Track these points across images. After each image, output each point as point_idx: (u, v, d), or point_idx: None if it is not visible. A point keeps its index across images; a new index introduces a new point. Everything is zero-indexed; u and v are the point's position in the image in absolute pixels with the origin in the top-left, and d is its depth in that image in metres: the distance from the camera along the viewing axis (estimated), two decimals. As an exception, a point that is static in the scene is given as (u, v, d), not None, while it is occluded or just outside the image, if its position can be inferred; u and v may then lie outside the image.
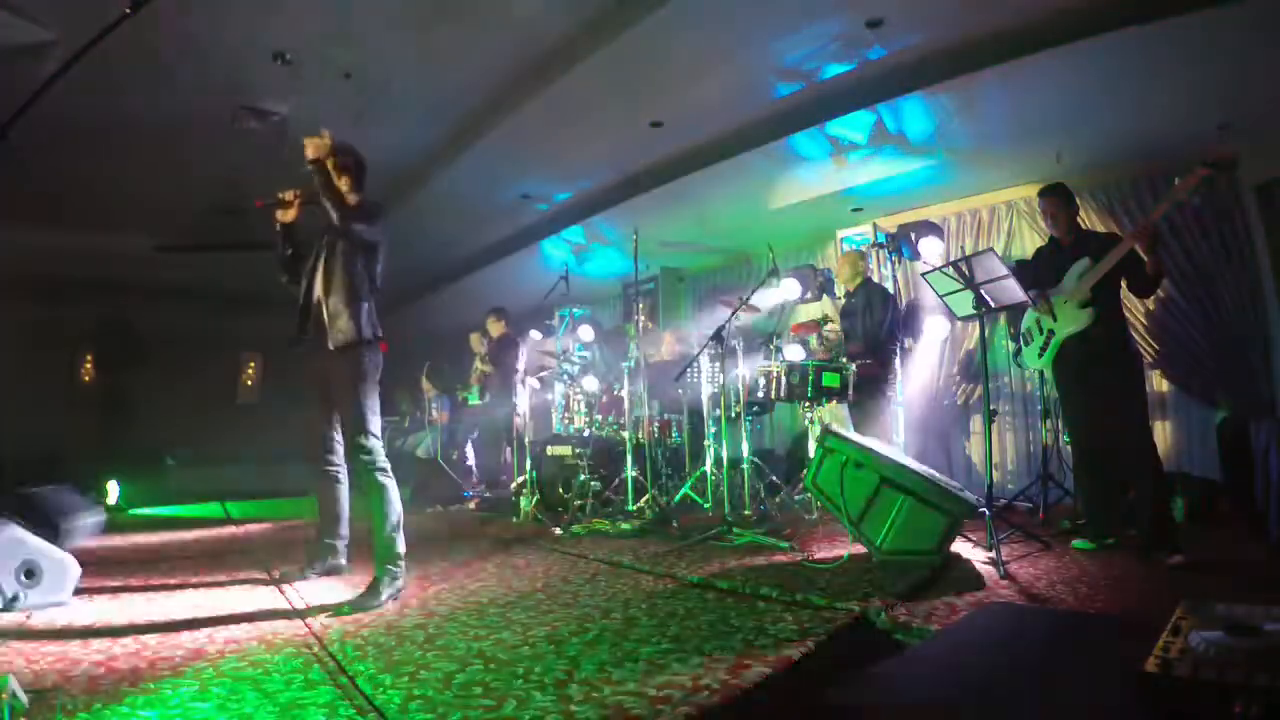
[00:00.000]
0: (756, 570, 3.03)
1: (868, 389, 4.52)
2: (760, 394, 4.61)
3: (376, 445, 2.82)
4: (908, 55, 4.00)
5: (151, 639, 2.20)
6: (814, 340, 5.06)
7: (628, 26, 3.77)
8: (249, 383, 10.23)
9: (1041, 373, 4.47)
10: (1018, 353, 3.76)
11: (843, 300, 5.14)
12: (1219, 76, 3.70)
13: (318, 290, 2.94)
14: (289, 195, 2.94)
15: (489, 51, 4.17)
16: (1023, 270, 3.50)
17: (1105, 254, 3.18)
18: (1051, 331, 3.37)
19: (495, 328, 6.51)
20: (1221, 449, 4.16)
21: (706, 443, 4.73)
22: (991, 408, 3.45)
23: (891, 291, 5.12)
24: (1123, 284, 3.34)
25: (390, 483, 2.82)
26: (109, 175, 5.61)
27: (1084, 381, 3.31)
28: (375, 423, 2.85)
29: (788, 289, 5.99)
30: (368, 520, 2.84)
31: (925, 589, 2.57)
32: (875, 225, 6.09)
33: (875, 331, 4.64)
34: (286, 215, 2.97)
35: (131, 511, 5.83)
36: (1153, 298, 4.60)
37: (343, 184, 2.93)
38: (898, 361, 4.85)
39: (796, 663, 1.88)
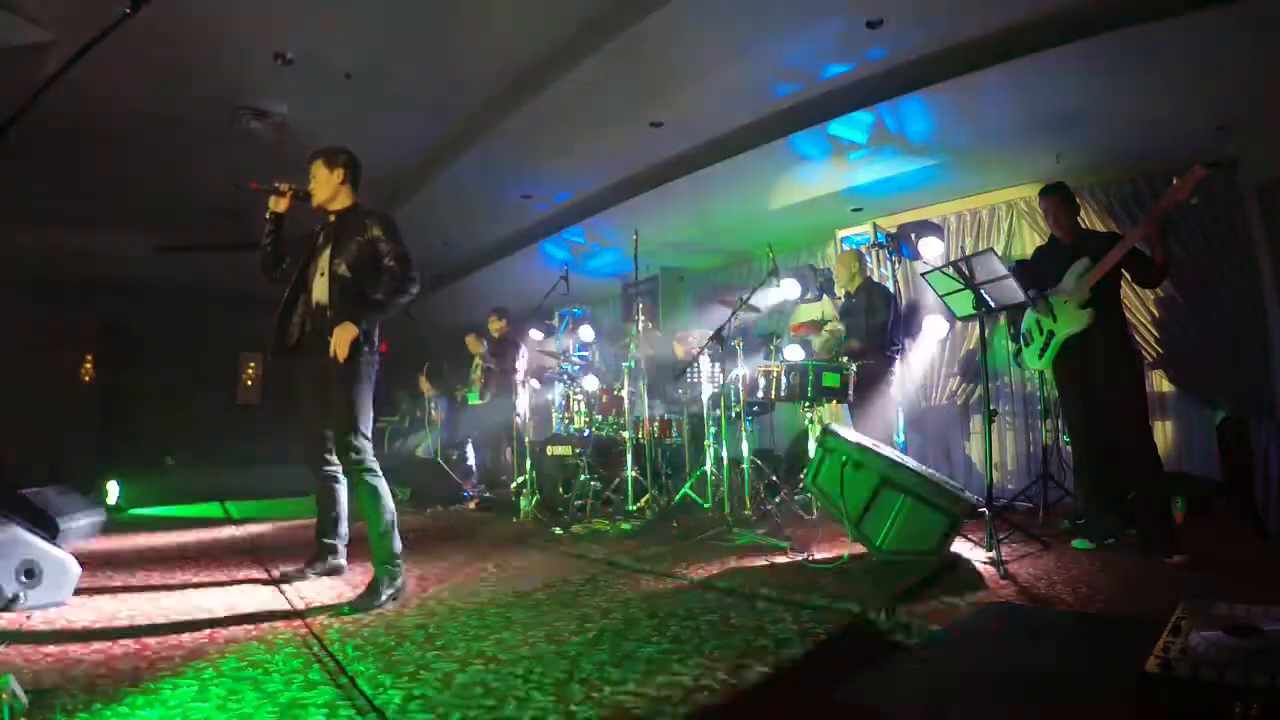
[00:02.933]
0: (756, 570, 3.03)
1: (868, 389, 4.52)
2: (760, 394, 4.61)
3: (366, 446, 2.80)
4: (908, 55, 4.00)
5: (151, 639, 2.20)
6: (815, 341, 5.06)
7: (628, 26, 3.77)
8: (249, 383, 10.23)
9: (1042, 373, 4.47)
10: (1018, 353, 3.76)
11: (842, 300, 5.14)
12: (1219, 76, 3.70)
13: (316, 292, 2.94)
14: (284, 186, 2.99)
15: (489, 51, 4.17)
16: (1022, 270, 3.50)
17: (1105, 254, 3.18)
18: (1052, 332, 3.37)
19: (496, 327, 6.51)
20: (1221, 449, 4.17)
21: (706, 443, 4.73)
22: (991, 408, 3.44)
23: (892, 291, 5.13)
24: (1123, 284, 3.34)
25: (381, 483, 2.80)
26: (109, 175, 5.61)
27: (1084, 382, 3.31)
28: (367, 424, 2.82)
29: (788, 289, 6.00)
30: (364, 520, 2.83)
31: (925, 589, 2.57)
32: (875, 225, 6.09)
33: (877, 331, 4.64)
34: (278, 205, 3.01)
35: (131, 511, 5.82)
36: (1153, 298, 4.61)
37: (345, 190, 2.99)
38: (898, 361, 4.86)
39: (796, 663, 1.88)
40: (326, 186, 2.96)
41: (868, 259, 5.44)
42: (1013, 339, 4.33)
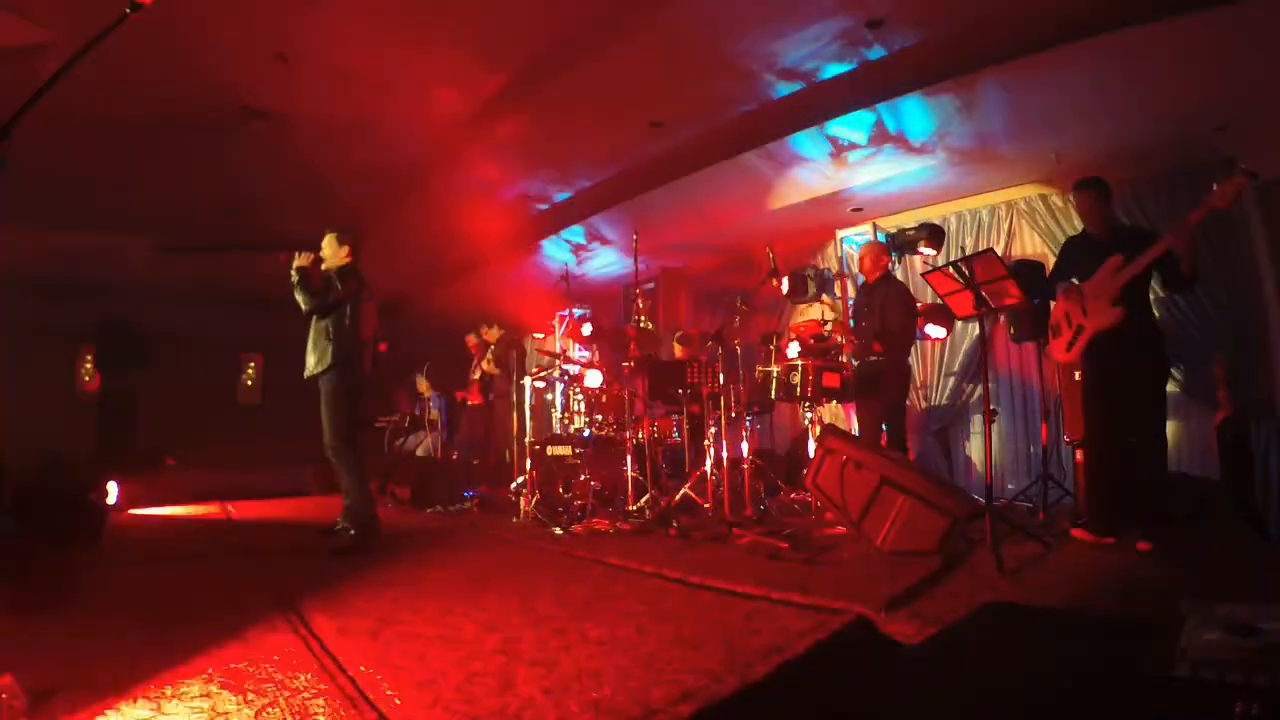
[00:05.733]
0: (756, 570, 3.03)
1: (872, 386, 4.48)
2: (760, 394, 4.60)
3: (346, 449, 3.85)
4: (908, 55, 3.99)
5: (151, 639, 2.20)
6: (836, 332, 4.99)
7: (628, 26, 3.78)
8: (249, 383, 10.23)
9: (1042, 372, 4.47)
10: (1044, 343, 3.72)
11: (855, 294, 5.07)
12: (1219, 76, 3.70)
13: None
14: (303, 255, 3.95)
15: (489, 51, 4.17)
16: (1050, 269, 3.48)
17: (1139, 250, 3.15)
18: (1081, 326, 3.35)
19: (493, 331, 6.53)
20: (1221, 449, 4.16)
21: (706, 443, 4.73)
22: (991, 408, 3.44)
23: (909, 292, 5.06)
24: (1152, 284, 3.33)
25: (358, 474, 3.87)
26: (109, 175, 5.61)
27: (1112, 378, 3.28)
28: (346, 432, 3.86)
29: (787, 289, 5.99)
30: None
31: (925, 589, 2.57)
32: (875, 225, 6.09)
33: (891, 329, 4.58)
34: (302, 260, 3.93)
35: (131, 512, 5.82)
36: (1153, 298, 4.60)
37: (345, 254, 4.01)
38: (907, 360, 4.81)
39: (796, 663, 1.88)
40: (335, 256, 3.99)
41: (891, 254, 5.30)
42: (1017, 336, 4.30)
